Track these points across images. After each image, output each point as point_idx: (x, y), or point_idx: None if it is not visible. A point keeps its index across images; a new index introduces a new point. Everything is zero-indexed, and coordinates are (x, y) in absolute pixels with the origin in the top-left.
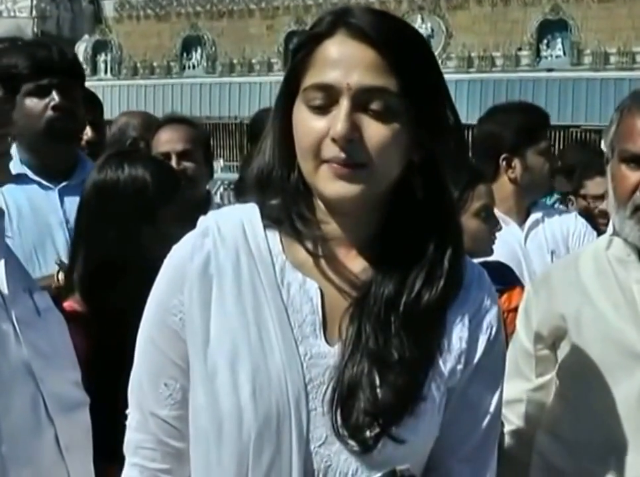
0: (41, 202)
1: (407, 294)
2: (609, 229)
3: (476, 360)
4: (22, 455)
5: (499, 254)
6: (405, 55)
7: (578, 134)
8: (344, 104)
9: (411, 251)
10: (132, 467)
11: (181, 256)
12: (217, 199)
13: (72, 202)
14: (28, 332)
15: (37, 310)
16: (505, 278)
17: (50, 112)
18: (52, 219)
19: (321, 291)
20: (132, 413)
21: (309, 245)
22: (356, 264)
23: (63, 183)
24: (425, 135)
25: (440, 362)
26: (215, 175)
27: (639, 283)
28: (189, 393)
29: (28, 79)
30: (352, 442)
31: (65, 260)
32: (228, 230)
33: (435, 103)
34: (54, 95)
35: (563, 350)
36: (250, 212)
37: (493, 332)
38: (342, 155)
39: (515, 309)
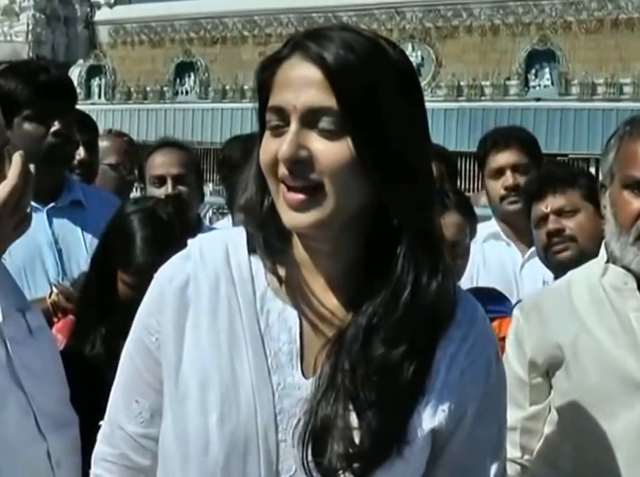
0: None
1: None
2: (602, 256)
3: (476, 399)
4: (15, 469)
5: (495, 278)
6: (356, 78)
7: (566, 163)
8: (292, 125)
9: (390, 286)
10: None
11: (163, 277)
12: (207, 222)
13: (60, 223)
14: (19, 351)
15: (29, 329)
16: (497, 305)
17: (50, 138)
18: (41, 240)
19: (301, 320)
20: (103, 424)
21: (281, 272)
22: (335, 297)
23: (51, 204)
24: (373, 160)
25: (425, 403)
26: (205, 199)
27: (636, 312)
28: (157, 413)
29: (28, 103)
30: None
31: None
32: (211, 255)
33: (390, 125)
34: (56, 121)
35: (559, 379)
36: (237, 237)
37: (492, 370)
38: (289, 175)
39: (504, 339)
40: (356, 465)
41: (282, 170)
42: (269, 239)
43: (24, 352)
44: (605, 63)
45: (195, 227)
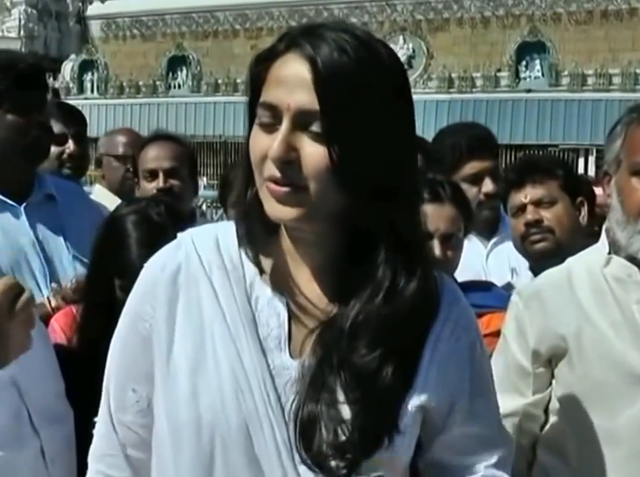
0: (9, 222)
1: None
2: (604, 245)
3: (467, 377)
4: (7, 466)
5: (461, 269)
6: (343, 87)
7: (556, 153)
8: (284, 125)
9: (374, 277)
10: (95, 474)
11: (154, 266)
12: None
13: (38, 220)
14: None
15: None
16: (489, 300)
17: (35, 130)
18: (23, 239)
19: (288, 306)
20: (99, 419)
21: (268, 261)
22: (320, 285)
23: (27, 201)
24: (346, 172)
25: (413, 390)
26: (199, 193)
27: (639, 304)
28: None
29: (8, 95)
30: (317, 470)
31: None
32: (202, 243)
33: (370, 141)
34: (39, 113)
35: (562, 371)
36: (227, 228)
37: (478, 348)
38: (278, 175)
39: (492, 334)
40: (346, 455)
41: (271, 168)
42: (252, 229)
43: None
44: (595, 55)
45: (189, 220)
